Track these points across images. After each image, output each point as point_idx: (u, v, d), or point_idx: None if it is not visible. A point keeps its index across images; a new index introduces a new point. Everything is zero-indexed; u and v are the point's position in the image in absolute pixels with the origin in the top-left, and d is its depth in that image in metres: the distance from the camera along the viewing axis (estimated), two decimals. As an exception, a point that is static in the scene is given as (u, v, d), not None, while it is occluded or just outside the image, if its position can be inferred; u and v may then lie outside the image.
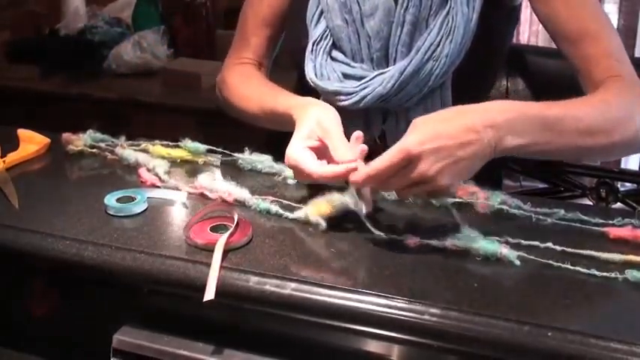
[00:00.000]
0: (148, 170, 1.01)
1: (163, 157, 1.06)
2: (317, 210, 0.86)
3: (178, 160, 1.07)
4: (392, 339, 0.73)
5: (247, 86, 1.16)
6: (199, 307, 0.73)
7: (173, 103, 2.14)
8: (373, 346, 0.76)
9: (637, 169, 1.65)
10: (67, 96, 2.23)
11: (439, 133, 0.81)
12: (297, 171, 0.90)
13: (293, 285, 0.74)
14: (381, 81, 1.01)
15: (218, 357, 0.78)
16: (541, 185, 1.56)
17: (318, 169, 0.87)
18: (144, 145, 1.10)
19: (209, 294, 0.73)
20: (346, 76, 1.05)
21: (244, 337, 0.80)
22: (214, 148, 1.08)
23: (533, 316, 0.68)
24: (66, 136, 1.12)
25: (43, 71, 2.32)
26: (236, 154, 1.06)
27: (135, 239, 0.83)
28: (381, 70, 1.03)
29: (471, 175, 0.86)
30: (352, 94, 1.03)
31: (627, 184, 1.56)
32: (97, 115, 2.17)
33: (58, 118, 2.16)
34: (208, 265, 0.76)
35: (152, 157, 1.05)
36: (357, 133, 0.90)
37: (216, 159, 1.07)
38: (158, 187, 0.98)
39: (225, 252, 0.79)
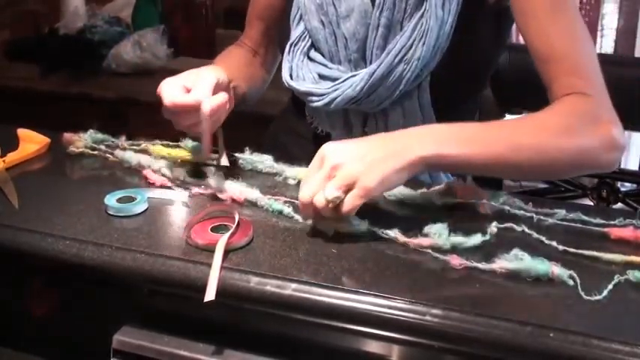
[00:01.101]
0: (154, 171, 1.01)
1: (164, 158, 1.05)
2: (326, 224, 0.85)
3: (179, 161, 1.06)
4: (392, 339, 0.73)
5: (218, 58, 1.20)
6: (200, 308, 0.73)
7: (173, 103, 2.14)
8: (374, 347, 0.76)
9: (637, 169, 1.65)
10: (67, 95, 2.23)
11: (354, 141, 0.85)
12: (161, 98, 0.95)
13: (294, 285, 0.73)
14: (350, 83, 1.01)
15: (218, 357, 0.77)
16: (541, 185, 1.56)
17: (171, 95, 0.94)
18: (144, 145, 1.09)
19: (210, 294, 0.72)
20: (322, 77, 1.06)
21: (245, 338, 0.79)
22: (215, 148, 1.07)
23: (535, 317, 0.68)
24: (67, 136, 1.11)
25: (42, 70, 2.32)
26: (237, 154, 1.06)
27: (135, 239, 0.83)
28: (353, 73, 1.03)
29: (396, 179, 0.82)
30: (323, 95, 1.03)
31: (627, 184, 1.57)
32: (96, 114, 2.16)
33: (57, 117, 2.16)
34: (209, 265, 0.76)
35: (153, 159, 1.04)
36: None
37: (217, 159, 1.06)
38: (169, 187, 0.97)
39: (226, 252, 0.79)
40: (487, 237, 0.81)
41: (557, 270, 0.75)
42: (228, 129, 1.08)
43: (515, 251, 0.77)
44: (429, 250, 0.80)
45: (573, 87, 0.94)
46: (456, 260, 0.77)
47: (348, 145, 0.83)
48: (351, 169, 0.80)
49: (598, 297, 0.72)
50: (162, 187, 0.98)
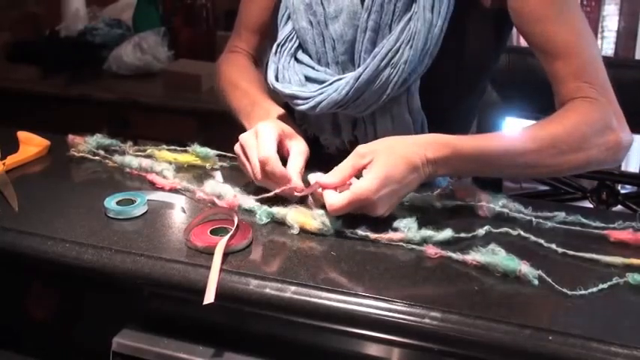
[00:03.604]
0: (157, 174, 1.01)
1: (170, 163, 1.05)
2: (297, 218, 0.86)
3: (185, 166, 1.06)
4: (392, 342, 0.73)
5: (241, 78, 1.18)
6: (199, 310, 0.73)
7: (173, 105, 2.14)
8: (373, 350, 0.76)
9: (637, 171, 1.65)
10: (67, 97, 2.22)
11: (389, 178, 0.85)
12: (250, 146, 0.93)
13: (293, 288, 0.73)
14: (336, 87, 0.99)
15: (218, 360, 0.78)
16: (541, 187, 1.56)
17: (271, 158, 0.90)
18: (150, 150, 1.09)
19: (209, 297, 0.72)
20: (308, 80, 1.04)
21: (244, 340, 0.79)
22: (224, 153, 1.07)
23: (534, 320, 0.68)
24: (71, 138, 1.11)
25: (43, 73, 2.32)
26: None
27: (135, 242, 0.83)
28: (339, 77, 1.01)
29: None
30: (309, 98, 1.01)
31: (627, 187, 1.56)
32: (97, 116, 2.17)
33: (58, 119, 2.16)
34: (208, 267, 0.76)
35: (156, 162, 1.04)
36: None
37: (224, 163, 1.06)
38: (170, 190, 0.97)
39: (225, 255, 0.79)
40: (463, 234, 0.84)
41: (525, 269, 0.75)
42: (228, 130, 1.08)
43: (492, 246, 0.79)
44: (402, 244, 0.83)
45: (582, 91, 0.97)
46: (431, 250, 0.81)
47: (390, 189, 0.85)
48: (380, 214, 0.86)
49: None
50: (163, 189, 0.98)
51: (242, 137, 0.95)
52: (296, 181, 0.91)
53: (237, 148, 0.96)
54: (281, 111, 1.07)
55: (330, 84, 1.01)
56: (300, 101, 1.02)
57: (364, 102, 1.00)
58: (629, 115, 1.00)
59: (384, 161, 0.86)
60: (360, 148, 0.88)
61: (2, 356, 0.95)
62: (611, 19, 2.46)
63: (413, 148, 0.88)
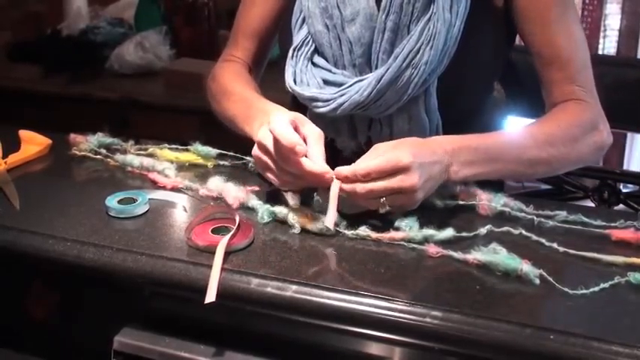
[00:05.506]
0: (158, 173, 1.01)
1: (171, 162, 1.05)
2: (298, 217, 0.86)
3: (187, 164, 1.06)
4: (393, 341, 0.73)
5: (235, 83, 1.13)
6: (200, 309, 0.73)
7: (175, 104, 2.14)
8: (375, 349, 0.76)
9: (639, 170, 1.65)
10: (69, 96, 2.22)
11: (418, 152, 0.85)
12: (265, 147, 0.86)
13: (294, 287, 0.73)
14: (358, 88, 0.99)
15: (219, 359, 0.77)
16: (543, 187, 1.55)
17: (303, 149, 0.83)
18: (151, 149, 1.09)
19: (210, 296, 0.73)
20: (326, 83, 1.03)
21: (245, 339, 0.79)
22: (225, 152, 1.07)
23: (535, 319, 0.68)
24: (73, 137, 1.11)
25: (44, 72, 2.32)
26: (247, 158, 1.05)
27: (136, 241, 0.83)
28: (359, 78, 1.01)
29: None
30: (329, 100, 1.01)
31: (629, 186, 1.56)
32: (98, 115, 2.16)
33: (59, 118, 2.16)
34: (209, 266, 0.76)
35: (157, 161, 1.04)
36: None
37: (225, 162, 1.06)
38: (179, 188, 0.97)
39: (227, 254, 0.79)
40: (464, 233, 0.84)
41: (526, 268, 0.75)
42: (227, 130, 1.08)
43: (494, 245, 0.79)
44: (403, 243, 0.82)
45: (574, 94, 1.03)
46: (432, 249, 0.81)
47: (421, 160, 0.85)
48: (418, 197, 0.86)
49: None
50: (164, 188, 0.98)
51: (259, 137, 0.88)
52: (325, 168, 0.85)
53: (255, 151, 0.90)
54: (279, 107, 1.01)
55: (351, 85, 1.01)
56: (320, 103, 1.02)
57: (385, 102, 1.00)
58: (631, 114, 1.01)
59: (409, 142, 0.89)
60: (380, 145, 0.88)
61: (2, 356, 0.95)
62: (613, 17, 2.46)
63: (428, 140, 0.92)
